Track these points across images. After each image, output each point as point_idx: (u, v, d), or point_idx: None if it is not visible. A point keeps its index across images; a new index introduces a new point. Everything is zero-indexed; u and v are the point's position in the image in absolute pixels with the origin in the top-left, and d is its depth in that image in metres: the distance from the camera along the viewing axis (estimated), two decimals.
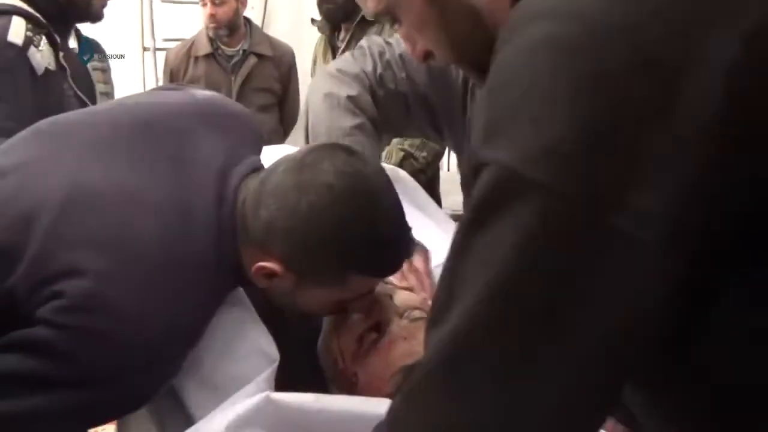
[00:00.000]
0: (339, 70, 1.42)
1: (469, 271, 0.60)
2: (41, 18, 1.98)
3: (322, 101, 1.38)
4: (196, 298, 1.02)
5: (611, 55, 0.56)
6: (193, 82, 3.40)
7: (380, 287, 1.17)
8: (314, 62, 3.22)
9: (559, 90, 0.56)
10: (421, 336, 1.10)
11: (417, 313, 1.17)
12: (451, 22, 0.83)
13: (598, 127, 0.56)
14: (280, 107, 3.56)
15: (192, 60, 3.50)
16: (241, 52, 3.46)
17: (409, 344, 1.12)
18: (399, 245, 1.09)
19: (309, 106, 1.43)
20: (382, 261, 1.08)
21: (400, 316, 1.16)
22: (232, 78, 3.43)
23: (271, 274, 1.05)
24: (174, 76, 3.54)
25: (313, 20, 3.18)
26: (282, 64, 3.54)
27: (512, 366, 0.58)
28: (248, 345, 1.11)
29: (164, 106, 1.19)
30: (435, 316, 0.62)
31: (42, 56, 1.95)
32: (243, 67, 3.45)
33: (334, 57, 2.91)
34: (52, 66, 2.00)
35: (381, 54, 1.40)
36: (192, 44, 3.53)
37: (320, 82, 1.43)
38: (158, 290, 0.98)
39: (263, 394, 1.01)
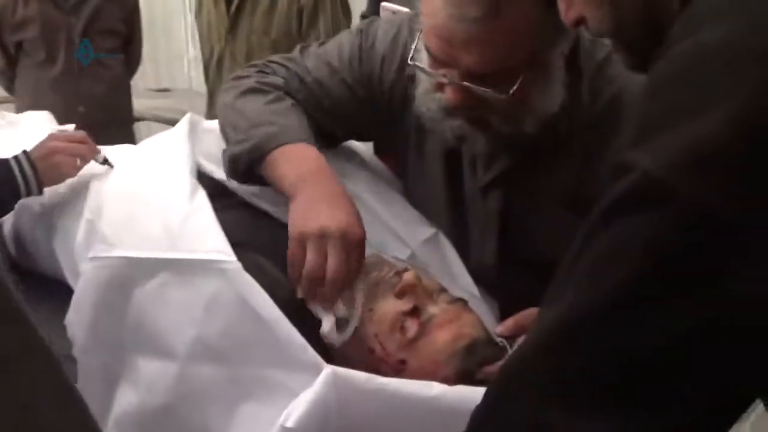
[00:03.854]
0: (237, 77, 1.38)
1: (588, 266, 0.61)
2: None
3: (227, 104, 1.34)
4: None
5: None
6: (25, 24, 3.14)
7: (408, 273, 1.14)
8: (200, 8, 3.05)
9: (724, 100, 0.54)
10: (464, 317, 1.13)
11: (447, 295, 1.16)
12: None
13: (757, 144, 0.54)
14: (124, 50, 3.38)
15: None
16: None
17: (457, 326, 1.11)
18: None
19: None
20: None
21: (432, 299, 1.14)
22: (72, 20, 3.17)
23: None
24: (1, 16, 3.15)
25: None
26: (126, 4, 3.33)
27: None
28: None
29: None
30: (547, 298, 0.66)
31: None
32: (85, 7, 3.16)
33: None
34: None
35: (284, 66, 1.37)
36: None
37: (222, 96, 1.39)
38: None
39: (328, 369, 0.97)
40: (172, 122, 4.10)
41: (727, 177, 0.54)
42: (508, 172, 1.23)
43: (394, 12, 1.99)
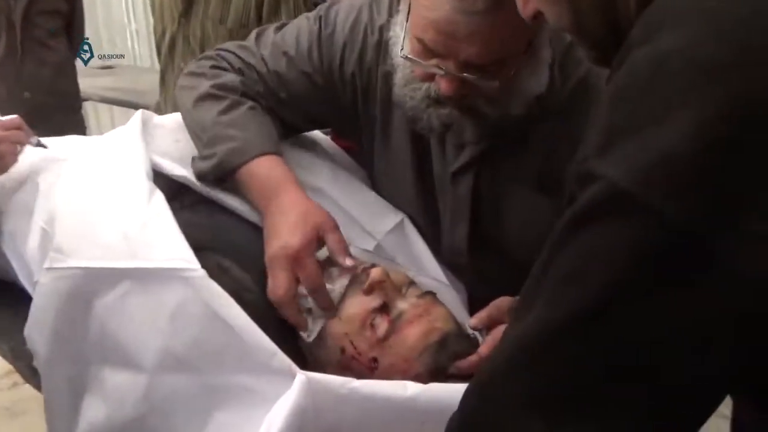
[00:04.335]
0: (192, 73, 1.34)
1: (556, 277, 0.61)
2: None
3: (186, 109, 1.32)
4: None
5: (752, 79, 0.54)
6: None
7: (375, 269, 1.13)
8: None
9: (688, 110, 0.54)
10: (434, 311, 1.12)
11: (416, 289, 1.15)
12: None
13: (722, 154, 0.53)
14: (67, 29, 3.25)
15: None
16: None
17: (427, 321, 1.10)
18: None
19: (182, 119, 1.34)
20: None
21: (401, 294, 1.13)
22: (12, 1, 3.02)
23: None
24: None
25: None
26: None
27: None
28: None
29: None
30: (516, 311, 0.66)
31: None
32: None
33: None
34: None
35: (239, 58, 1.33)
36: None
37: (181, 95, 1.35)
38: None
39: (302, 376, 0.96)
40: (119, 102, 4.02)
41: (692, 187, 0.54)
42: (479, 157, 1.22)
43: None
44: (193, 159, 1.27)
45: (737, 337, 0.57)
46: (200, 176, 1.25)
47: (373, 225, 1.29)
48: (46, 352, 1.09)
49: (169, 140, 1.31)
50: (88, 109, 4.26)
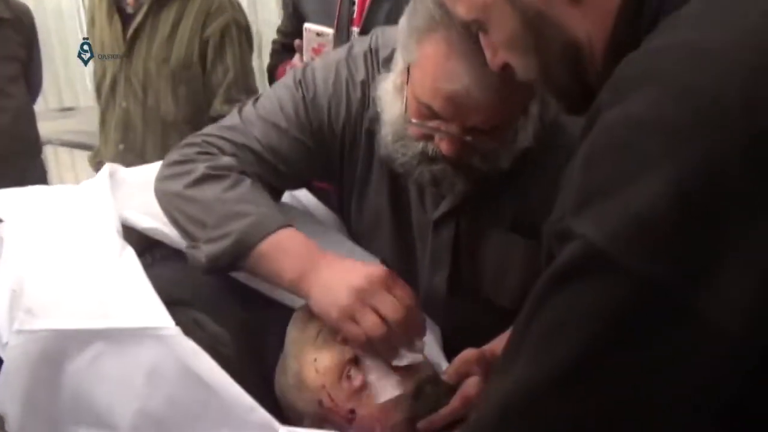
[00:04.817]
0: (178, 161, 1.27)
1: (538, 333, 0.62)
2: None
3: (174, 195, 1.23)
4: None
5: (720, 142, 0.55)
6: None
7: None
8: (92, 23, 2.86)
9: (659, 172, 0.56)
10: None
11: None
12: (545, 50, 0.77)
13: (693, 214, 0.55)
14: (24, 74, 3.20)
15: None
16: None
17: (403, 369, 1.09)
18: None
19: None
20: None
21: None
22: None
23: None
24: None
25: None
26: (23, 27, 3.15)
27: None
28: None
29: None
30: (501, 364, 0.67)
31: None
32: None
33: (122, 18, 2.66)
34: None
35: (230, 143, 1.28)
36: None
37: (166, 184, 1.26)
38: None
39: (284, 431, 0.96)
40: (79, 146, 3.97)
41: (667, 245, 0.56)
42: (460, 204, 1.24)
43: (318, 33, 1.97)
44: (192, 247, 1.20)
45: (720, 388, 0.58)
46: (213, 259, 1.16)
47: None
48: (19, 416, 1.06)
49: (137, 195, 1.29)
50: (48, 152, 4.21)
